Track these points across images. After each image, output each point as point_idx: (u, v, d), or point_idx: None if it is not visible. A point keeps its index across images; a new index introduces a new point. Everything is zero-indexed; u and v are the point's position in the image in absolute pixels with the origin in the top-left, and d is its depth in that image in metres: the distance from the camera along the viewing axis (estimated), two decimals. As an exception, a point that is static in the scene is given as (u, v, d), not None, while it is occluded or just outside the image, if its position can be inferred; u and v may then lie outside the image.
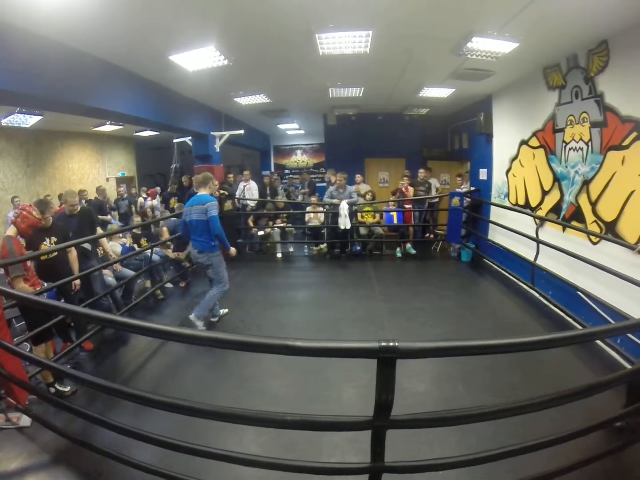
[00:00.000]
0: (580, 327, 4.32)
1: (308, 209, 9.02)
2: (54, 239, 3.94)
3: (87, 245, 4.55)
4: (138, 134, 11.60)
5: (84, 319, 3.95)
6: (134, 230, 6.42)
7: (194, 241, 4.67)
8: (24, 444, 2.81)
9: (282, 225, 8.73)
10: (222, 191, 7.67)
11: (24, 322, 3.80)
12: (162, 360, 4.12)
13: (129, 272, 5.37)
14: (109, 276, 5.09)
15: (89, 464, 2.56)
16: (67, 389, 3.42)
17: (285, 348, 1.69)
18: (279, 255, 8.47)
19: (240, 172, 10.65)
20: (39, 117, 7.56)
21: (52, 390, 3.37)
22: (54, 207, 4.63)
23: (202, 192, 4.70)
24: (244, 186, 8.97)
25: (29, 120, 7.71)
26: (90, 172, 11.99)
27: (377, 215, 8.41)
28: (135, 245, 6.07)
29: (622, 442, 2.42)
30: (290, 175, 14.02)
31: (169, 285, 6.39)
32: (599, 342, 3.95)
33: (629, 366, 3.45)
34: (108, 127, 10.16)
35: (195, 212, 4.56)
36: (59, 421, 2.85)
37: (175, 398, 2.02)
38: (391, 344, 1.56)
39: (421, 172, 8.75)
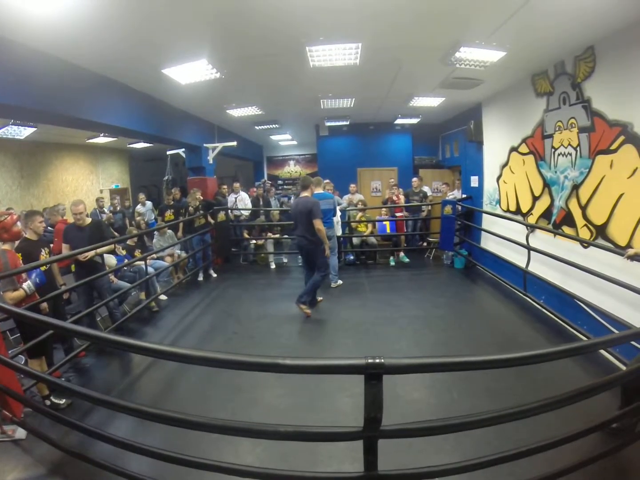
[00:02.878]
0: (574, 331, 4.36)
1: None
2: (46, 249, 3.97)
3: (97, 258, 4.60)
4: (132, 145, 11.64)
5: (72, 335, 3.97)
6: (128, 242, 6.41)
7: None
8: (20, 456, 2.79)
9: (276, 236, 8.72)
10: (199, 196, 7.67)
11: (19, 335, 3.78)
12: (159, 371, 4.10)
13: (124, 284, 5.35)
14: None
15: (85, 476, 2.55)
16: (63, 401, 3.40)
17: (275, 366, 1.76)
18: (273, 265, 8.46)
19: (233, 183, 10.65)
20: (33, 129, 7.57)
21: (48, 402, 3.34)
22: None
23: (318, 190, 6.19)
24: (235, 198, 9.04)
25: (23, 132, 7.71)
26: (84, 183, 11.98)
27: (370, 225, 8.42)
28: (126, 260, 6.03)
29: (618, 443, 2.45)
30: (285, 186, 14.04)
31: (163, 297, 6.37)
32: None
33: (623, 367, 3.46)
34: (102, 139, 10.21)
35: (324, 204, 5.96)
36: (54, 433, 2.83)
37: (169, 411, 2.03)
38: (377, 360, 1.61)
39: (415, 181, 8.78)
